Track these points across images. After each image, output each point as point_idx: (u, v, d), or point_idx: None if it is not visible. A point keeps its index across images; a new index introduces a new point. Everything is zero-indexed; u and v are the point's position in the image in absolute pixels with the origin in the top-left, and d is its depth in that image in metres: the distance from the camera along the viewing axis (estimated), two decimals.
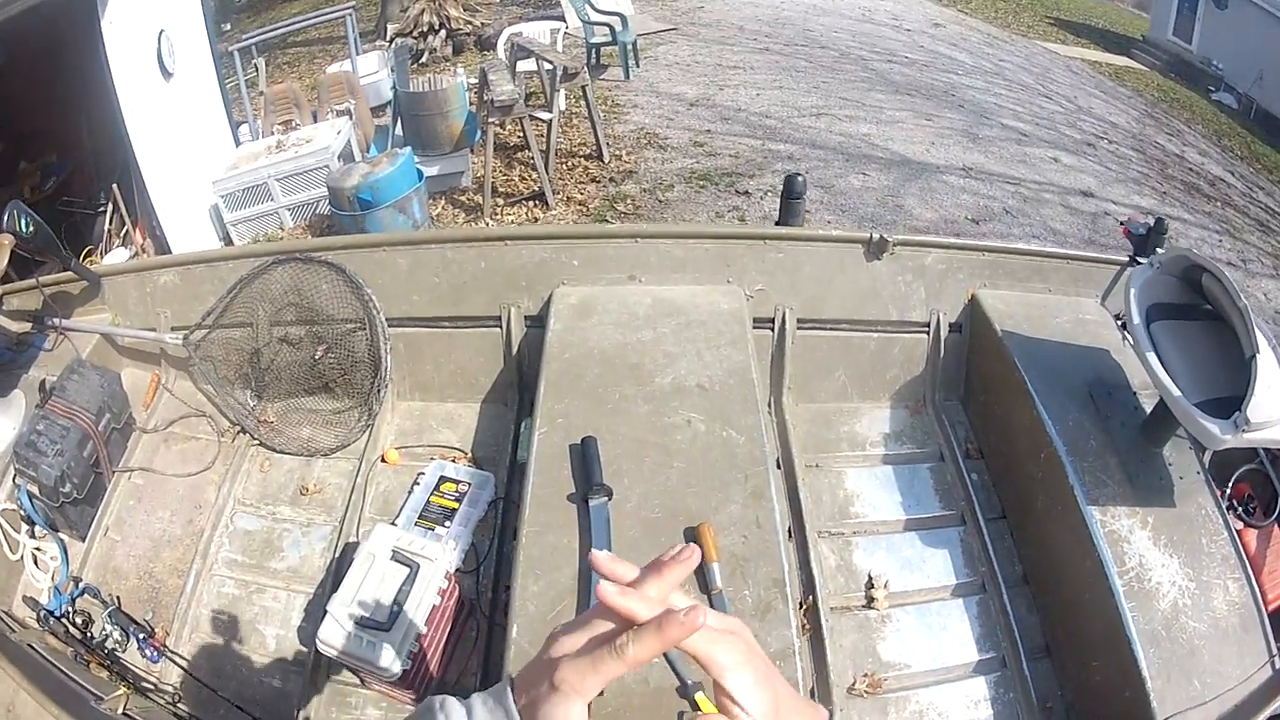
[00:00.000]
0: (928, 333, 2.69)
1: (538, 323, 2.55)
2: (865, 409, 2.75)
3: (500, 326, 2.62)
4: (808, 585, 2.25)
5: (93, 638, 2.13)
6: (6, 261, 2.24)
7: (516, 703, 0.72)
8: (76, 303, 2.62)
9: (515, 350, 2.63)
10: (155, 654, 2.17)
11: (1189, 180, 8.72)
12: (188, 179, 5.48)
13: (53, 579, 2.22)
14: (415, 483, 2.47)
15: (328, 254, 2.61)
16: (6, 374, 2.44)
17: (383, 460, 2.58)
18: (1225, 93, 12.81)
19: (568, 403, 2.12)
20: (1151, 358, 2.04)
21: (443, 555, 2.04)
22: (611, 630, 0.68)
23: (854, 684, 2.14)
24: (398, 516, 2.40)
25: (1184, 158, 9.43)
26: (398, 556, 2.01)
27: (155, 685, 2.13)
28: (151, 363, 2.73)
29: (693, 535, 1.81)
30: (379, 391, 2.60)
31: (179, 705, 2.07)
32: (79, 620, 2.14)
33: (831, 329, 2.66)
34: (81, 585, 2.24)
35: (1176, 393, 1.96)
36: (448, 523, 2.36)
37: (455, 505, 2.39)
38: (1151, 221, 2.64)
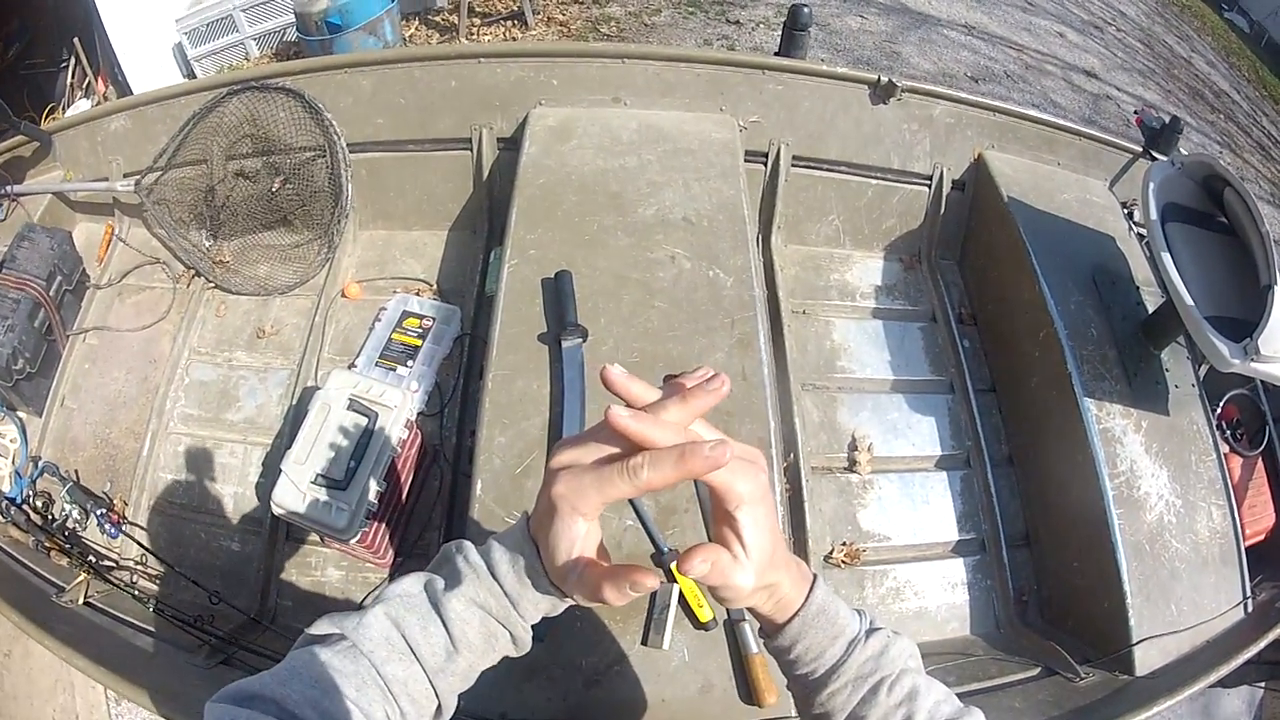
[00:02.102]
0: (929, 186, 2.55)
1: (511, 145, 2.35)
2: (857, 257, 2.62)
3: (470, 149, 2.42)
4: (789, 441, 2.16)
5: (53, 520, 2.04)
6: None
7: (531, 528, 0.70)
8: (28, 165, 2.45)
9: (486, 175, 2.44)
10: (114, 529, 2.07)
11: (1194, 86, 8.54)
12: (151, 20, 5.19)
13: (13, 463, 2.11)
14: (376, 319, 2.32)
15: (286, 79, 2.39)
16: None
17: (343, 295, 2.42)
18: (1238, 14, 12.41)
19: (541, 232, 1.95)
20: (1167, 258, 1.95)
21: (403, 402, 1.89)
22: (619, 451, 0.62)
23: (831, 552, 2.09)
24: (358, 356, 2.26)
25: (1191, 63, 9.20)
26: (355, 405, 1.86)
27: (115, 563, 2.05)
28: (105, 215, 2.57)
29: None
30: (340, 221, 2.43)
31: (137, 585, 1.99)
32: (39, 503, 2.06)
33: (829, 170, 2.50)
34: (41, 464, 2.13)
35: (1190, 301, 1.88)
36: (410, 362, 2.22)
37: (418, 342, 2.24)
38: (1167, 118, 2.55)
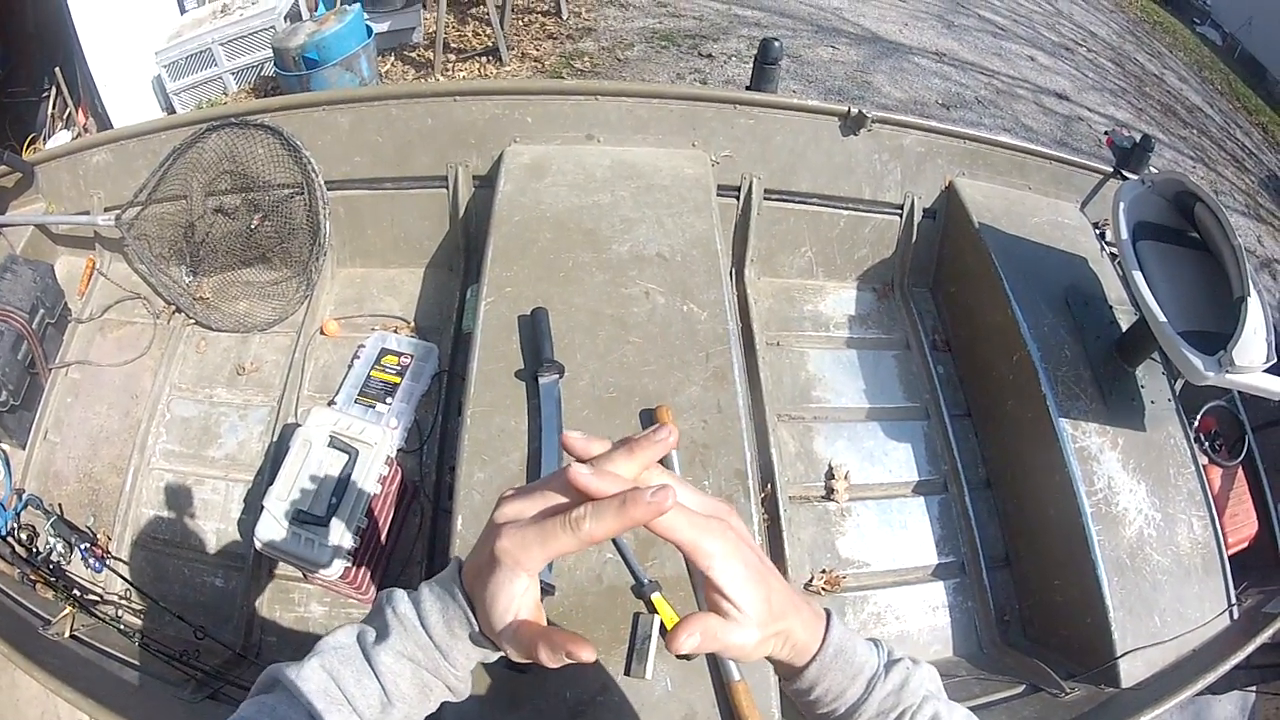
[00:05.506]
0: (900, 215, 2.58)
1: (487, 183, 2.38)
2: (830, 288, 2.65)
3: (446, 187, 2.44)
4: (766, 472, 2.17)
5: (38, 553, 2.03)
6: None
7: (464, 580, 0.69)
8: (10, 196, 2.44)
9: (462, 213, 2.46)
10: (98, 563, 2.08)
11: (1166, 102, 8.60)
12: (131, 52, 5.18)
13: None
14: (355, 356, 2.34)
15: (264, 116, 2.41)
16: None
17: (322, 332, 2.44)
18: (1210, 28, 12.58)
19: (517, 270, 1.96)
20: (1138, 277, 1.98)
21: (383, 439, 1.91)
22: (565, 503, 0.62)
23: (811, 580, 2.11)
24: (337, 394, 2.28)
25: (1163, 80, 9.27)
26: (335, 443, 1.88)
27: (100, 597, 2.05)
28: (87, 248, 2.56)
29: (650, 418, 1.70)
30: (318, 259, 2.44)
31: (123, 620, 1.99)
32: (24, 536, 2.05)
33: (800, 202, 2.53)
34: (25, 497, 2.12)
35: (1163, 318, 1.91)
36: (389, 399, 2.24)
37: (397, 380, 2.26)
38: (1137, 137, 2.58)
